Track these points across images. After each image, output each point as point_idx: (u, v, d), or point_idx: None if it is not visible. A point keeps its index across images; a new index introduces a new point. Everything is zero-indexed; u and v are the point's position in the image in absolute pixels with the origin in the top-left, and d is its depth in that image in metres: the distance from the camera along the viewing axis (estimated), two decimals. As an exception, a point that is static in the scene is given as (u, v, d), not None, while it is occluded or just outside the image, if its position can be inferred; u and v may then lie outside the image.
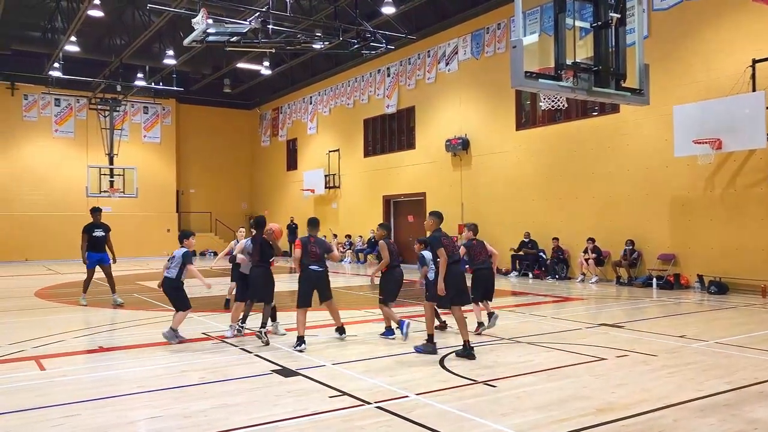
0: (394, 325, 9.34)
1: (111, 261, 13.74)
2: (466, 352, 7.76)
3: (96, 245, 13.59)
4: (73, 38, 23.47)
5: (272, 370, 7.21)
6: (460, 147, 21.84)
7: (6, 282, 19.71)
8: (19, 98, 30.69)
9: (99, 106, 29.23)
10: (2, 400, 6.13)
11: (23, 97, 30.76)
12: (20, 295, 15.87)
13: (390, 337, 9.27)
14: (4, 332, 10.24)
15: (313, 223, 9.27)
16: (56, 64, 25.77)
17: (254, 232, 9.48)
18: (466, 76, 22.05)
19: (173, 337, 9.06)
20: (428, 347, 8.13)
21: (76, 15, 21.95)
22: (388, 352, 8.23)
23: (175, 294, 9.22)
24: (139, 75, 28.85)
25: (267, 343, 8.74)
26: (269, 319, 9.39)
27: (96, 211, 13.90)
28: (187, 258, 9.20)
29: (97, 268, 13.68)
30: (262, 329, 8.91)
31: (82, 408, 5.84)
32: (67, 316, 12.30)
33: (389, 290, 9.42)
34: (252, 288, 9.28)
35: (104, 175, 27.84)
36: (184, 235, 9.54)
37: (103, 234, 13.65)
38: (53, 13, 25.59)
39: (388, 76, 25.72)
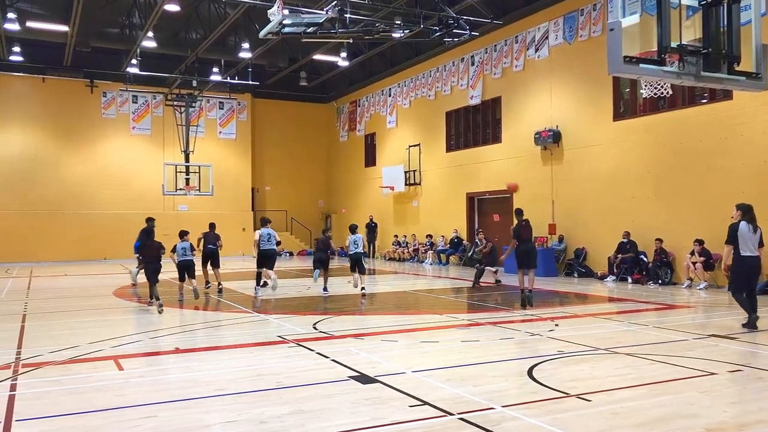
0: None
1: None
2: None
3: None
4: (150, 33, 24.49)
5: (350, 377, 7.28)
6: (550, 140, 21.44)
7: (85, 281, 20.75)
8: (98, 96, 32.16)
9: (175, 103, 30.37)
10: (82, 399, 6.46)
11: (102, 95, 32.21)
12: (99, 294, 16.68)
13: None
14: (83, 331, 10.77)
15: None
16: (134, 61, 27.01)
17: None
18: (558, 63, 21.62)
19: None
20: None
21: (153, 10, 22.86)
22: (473, 360, 8.16)
23: None
24: (215, 69, 29.68)
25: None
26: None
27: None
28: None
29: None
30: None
31: (159, 409, 6.08)
32: (144, 317, 12.82)
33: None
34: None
35: (180, 172, 28.76)
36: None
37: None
38: (130, 9, 26.73)
39: (473, 64, 25.53)
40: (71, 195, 31.29)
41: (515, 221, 13.97)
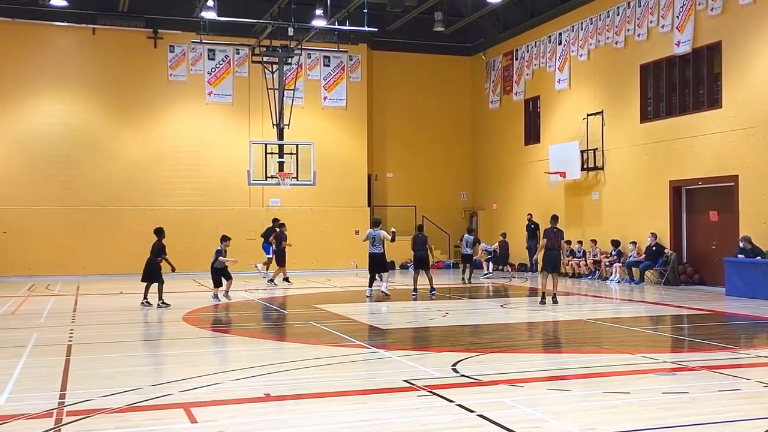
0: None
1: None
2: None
3: None
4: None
5: (504, 439, 7.33)
6: (798, 103, 20.71)
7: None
8: (164, 51, 33.14)
9: (264, 59, 30.54)
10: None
11: (168, 50, 33.16)
12: (165, 319, 17.44)
13: None
14: (145, 369, 11.32)
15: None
16: (210, 3, 27.56)
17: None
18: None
19: None
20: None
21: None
22: (680, 419, 7.98)
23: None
24: (318, 12, 29.96)
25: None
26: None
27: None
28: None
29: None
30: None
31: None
32: (223, 350, 13.33)
33: None
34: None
35: (272, 154, 28.86)
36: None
37: None
38: (206, -66, 27.64)
39: (681, -4, 24.93)
40: (128, 186, 32.03)
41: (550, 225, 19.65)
